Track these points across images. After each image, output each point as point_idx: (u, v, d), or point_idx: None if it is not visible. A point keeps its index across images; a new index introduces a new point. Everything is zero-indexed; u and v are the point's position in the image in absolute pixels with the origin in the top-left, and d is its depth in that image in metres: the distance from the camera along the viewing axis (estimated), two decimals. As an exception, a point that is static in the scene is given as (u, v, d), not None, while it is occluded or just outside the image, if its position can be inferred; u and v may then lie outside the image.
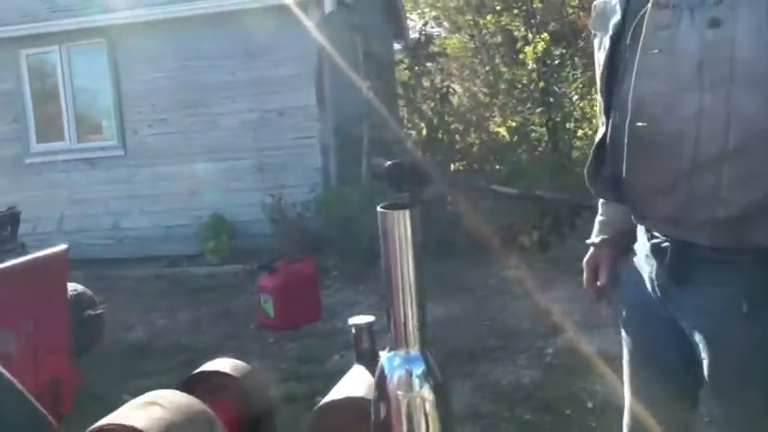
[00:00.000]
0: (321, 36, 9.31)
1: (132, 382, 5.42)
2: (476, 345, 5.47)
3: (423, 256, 1.23)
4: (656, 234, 1.86)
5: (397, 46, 14.18)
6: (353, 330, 1.98)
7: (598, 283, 2.13)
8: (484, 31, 14.03)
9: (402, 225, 1.18)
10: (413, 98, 10.97)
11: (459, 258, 8.00)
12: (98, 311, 2.21)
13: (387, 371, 1.23)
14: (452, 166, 9.74)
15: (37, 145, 10.72)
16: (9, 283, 1.93)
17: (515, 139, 10.66)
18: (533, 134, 10.32)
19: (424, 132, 10.19)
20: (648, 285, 1.91)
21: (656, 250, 1.86)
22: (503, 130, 11.12)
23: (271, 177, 9.49)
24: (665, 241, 1.82)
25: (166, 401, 1.81)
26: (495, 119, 11.52)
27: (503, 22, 12.44)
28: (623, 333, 2.06)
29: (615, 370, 4.57)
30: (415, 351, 1.22)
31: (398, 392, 1.23)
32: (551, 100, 9.72)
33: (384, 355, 1.25)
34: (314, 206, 8.95)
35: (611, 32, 1.83)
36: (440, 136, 9.91)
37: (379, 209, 1.15)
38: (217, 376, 2.09)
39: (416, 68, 11.27)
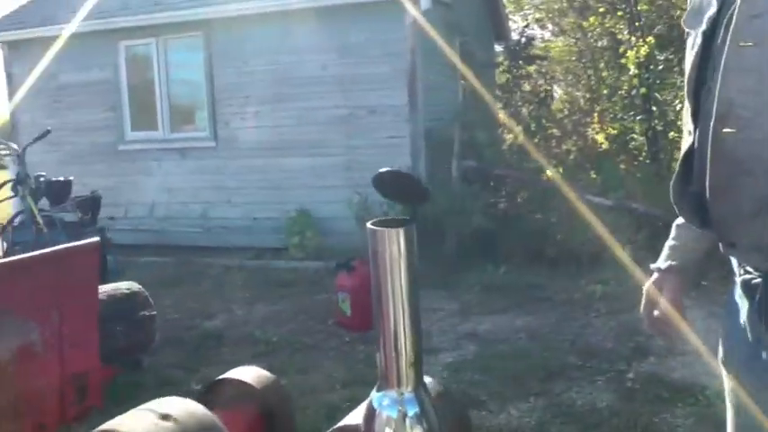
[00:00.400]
0: (416, 34, 9.17)
1: (202, 371, 5.44)
2: (553, 361, 5.23)
3: (417, 281, 1.06)
4: (747, 268, 1.58)
5: (498, 48, 13.93)
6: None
7: (655, 313, 1.87)
8: (589, 34, 13.63)
9: (395, 245, 1.02)
10: (510, 101, 10.74)
11: (545, 269, 7.76)
12: (152, 313, 2.14)
13: (376, 411, 1.07)
14: (547, 172, 9.42)
15: (131, 133, 10.99)
16: (34, 275, 1.85)
17: (614, 147, 10.30)
18: (633, 143, 9.92)
19: (521, 137, 9.94)
20: (742, 328, 1.64)
21: (747, 287, 1.58)
22: (601, 138, 10.74)
23: (358, 175, 9.39)
24: (757, 277, 1.54)
25: (173, 410, 1.69)
26: (594, 125, 11.13)
27: (606, 25, 12.02)
28: (723, 371, 1.79)
29: (699, 403, 4.31)
30: (407, 391, 1.05)
31: (387, 437, 1.07)
32: (653, 107, 9.32)
33: (373, 395, 1.08)
34: (401, 207, 8.78)
35: (704, 27, 1.57)
36: (536, 141, 9.63)
37: (368, 225, 1.00)
38: (238, 386, 1.96)
39: (515, 71, 11.03)
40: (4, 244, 5.52)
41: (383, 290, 1.04)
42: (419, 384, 1.08)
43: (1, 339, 1.76)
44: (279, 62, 9.85)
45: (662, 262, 1.91)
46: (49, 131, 5.95)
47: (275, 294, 7.71)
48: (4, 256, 5.73)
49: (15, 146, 5.67)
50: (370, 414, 1.09)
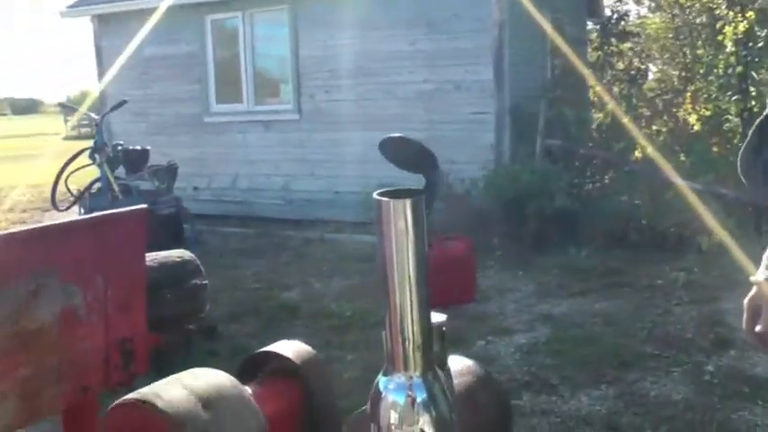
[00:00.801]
0: (504, 9, 9.00)
1: (277, 341, 5.48)
2: (629, 349, 5.09)
3: (425, 257, 0.99)
4: None
5: (590, 24, 13.57)
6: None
7: (757, 329, 1.74)
8: (687, 9, 13.12)
9: (402, 218, 0.96)
10: (601, 79, 10.46)
11: (627, 253, 7.57)
12: (203, 282, 2.13)
13: (381, 395, 1.01)
14: (635, 153, 9.16)
15: (216, 105, 11.17)
16: (77, 239, 1.84)
17: (706, 129, 9.91)
18: (727, 125, 9.52)
19: (609, 116, 9.67)
20: None
21: None
22: (693, 119, 10.35)
23: (441, 151, 9.13)
24: None
25: (203, 382, 1.66)
26: (687, 106, 10.72)
27: (704, 0, 11.53)
28: None
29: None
30: (416, 375, 0.99)
31: (391, 424, 1.01)
32: (750, 87, 8.91)
33: (379, 378, 1.03)
34: (482, 184, 8.70)
35: None
36: (625, 121, 9.35)
37: (375, 195, 0.94)
38: (277, 360, 1.93)
39: (607, 48, 10.73)
40: (82, 210, 5.65)
41: (388, 266, 0.98)
42: (428, 368, 1.02)
43: (43, 302, 1.76)
44: (364, 36, 9.81)
45: (760, 274, 1.78)
46: (125, 102, 6.07)
47: (353, 269, 7.72)
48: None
49: (94, 115, 5.78)
50: (376, 398, 1.04)
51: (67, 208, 5.74)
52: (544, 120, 8.95)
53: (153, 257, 2.25)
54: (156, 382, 1.70)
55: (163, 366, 5.07)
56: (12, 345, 1.73)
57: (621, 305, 6.14)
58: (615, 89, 10.37)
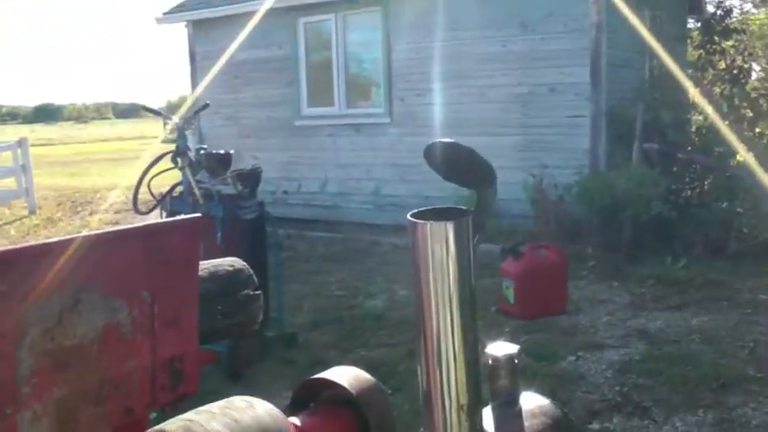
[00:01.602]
0: (601, 8, 8.70)
1: (357, 352, 5.42)
2: (728, 370, 4.84)
3: (473, 292, 0.81)
4: None
5: (691, 22, 13.04)
6: (489, 362, 1.56)
7: None
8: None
9: (440, 244, 0.78)
10: (702, 79, 10.01)
11: (728, 264, 7.26)
12: (255, 292, 2.01)
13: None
14: (736, 157, 8.71)
15: (308, 109, 11.19)
16: (122, 250, 1.72)
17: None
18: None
19: (710, 118, 9.23)
20: None
21: None
22: (799, 122, 9.79)
23: (535, 156, 9.11)
24: None
25: (241, 413, 1.52)
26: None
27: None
28: None
29: None
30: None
31: None
32: None
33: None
34: (576, 190, 8.41)
35: None
36: (727, 123, 8.90)
37: (409, 216, 0.77)
38: (331, 389, 1.77)
39: (709, 46, 10.27)
40: (164, 213, 5.64)
41: (425, 302, 0.81)
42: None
43: (83, 317, 1.64)
44: (457, 38, 9.66)
45: None
46: (206, 105, 6.02)
47: None
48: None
49: (175, 119, 5.75)
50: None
51: (149, 211, 5.74)
52: (641, 123, 8.61)
53: (203, 266, 2.12)
54: (186, 414, 1.56)
55: (238, 375, 5.03)
56: (46, 362, 1.60)
57: (721, 321, 5.85)
58: (716, 89, 9.91)
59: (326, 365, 5.24)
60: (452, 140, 1.43)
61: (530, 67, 9.23)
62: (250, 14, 10.50)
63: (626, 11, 8.48)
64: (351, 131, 10.72)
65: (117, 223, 10.47)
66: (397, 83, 10.25)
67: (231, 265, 2.54)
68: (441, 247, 0.80)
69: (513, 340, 5.27)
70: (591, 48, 8.86)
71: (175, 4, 12.71)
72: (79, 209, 14.30)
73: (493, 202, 1.43)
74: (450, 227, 0.81)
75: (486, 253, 8.31)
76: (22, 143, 14.60)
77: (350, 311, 6.55)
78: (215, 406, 1.61)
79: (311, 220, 10.46)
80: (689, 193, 8.78)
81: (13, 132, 26.20)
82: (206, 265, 2.29)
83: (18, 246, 1.66)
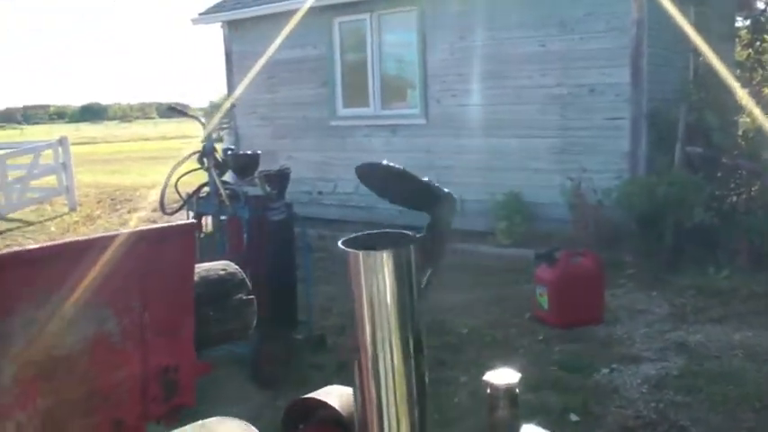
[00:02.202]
0: (643, 5, 8.49)
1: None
2: (771, 390, 4.58)
3: (420, 332, 0.70)
4: None
5: (739, 19, 12.75)
6: (488, 390, 1.44)
7: None
8: None
9: (377, 276, 0.67)
10: (750, 80, 9.77)
11: (774, 274, 6.94)
12: (248, 297, 1.92)
13: None
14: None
15: (343, 109, 11.13)
16: (111, 257, 1.63)
17: None
18: None
19: (758, 121, 8.98)
20: None
21: None
22: None
23: (573, 159, 8.94)
24: None
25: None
26: None
27: None
28: None
29: None
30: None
31: None
32: None
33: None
34: (616, 194, 8.23)
35: None
36: (775, 126, 8.66)
37: (340, 244, 0.67)
38: (321, 409, 1.68)
39: (757, 45, 10.02)
40: (190, 214, 5.61)
41: (360, 339, 0.70)
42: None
43: (67, 326, 1.56)
44: (494, 38, 9.52)
45: None
46: (233, 105, 5.97)
47: (474, 281, 7.48)
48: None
49: (202, 119, 5.72)
50: None
51: (174, 212, 5.70)
52: (684, 125, 8.38)
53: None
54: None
55: (263, 378, 4.96)
56: (31, 372, 1.55)
57: (765, 336, 5.62)
58: (765, 91, 9.66)
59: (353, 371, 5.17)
60: (382, 163, 1.32)
61: (569, 67, 9.05)
62: (285, 14, 10.45)
63: (670, 7, 8.26)
64: (386, 132, 10.63)
65: (154, 221, 10.48)
66: (433, 84, 10.13)
67: (223, 269, 2.45)
68: (376, 280, 0.68)
69: (546, 349, 5.17)
70: (631, 46, 8.65)
71: (211, 5, 12.74)
72: (118, 206, 14.42)
73: (445, 228, 1.31)
74: (386, 257, 0.69)
75: (519, 259, 8.19)
76: (62, 142, 14.79)
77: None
78: (197, 426, 1.53)
79: (346, 221, 10.39)
80: (734, 199, 8.54)
81: (58, 131, 26.66)
82: (197, 269, 2.21)
83: (-2, 251, 1.60)
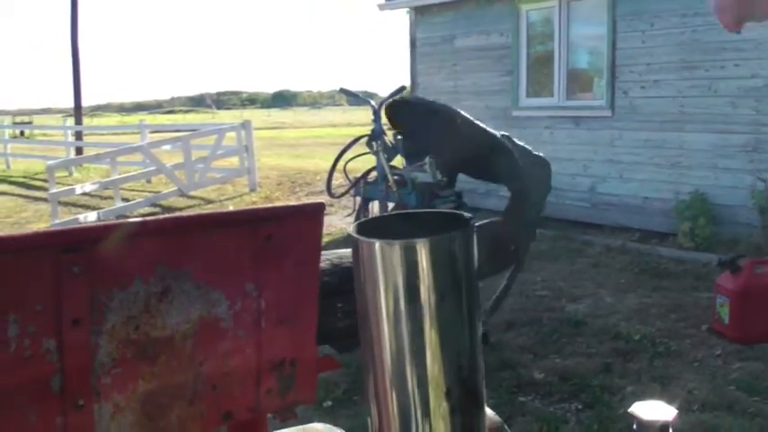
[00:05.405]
0: None
1: (551, 359, 5.19)
2: None
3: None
4: None
5: None
6: (634, 427, 1.19)
7: None
8: None
9: (397, 271, 0.48)
10: None
11: None
12: None
13: None
14: None
15: (526, 99, 10.91)
16: (223, 235, 1.53)
17: None
18: None
19: None
20: None
21: None
22: None
23: (766, 158, 8.25)
24: None
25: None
26: None
27: None
28: None
29: None
30: None
31: None
32: None
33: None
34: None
35: None
36: None
37: (351, 231, 0.48)
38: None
39: None
40: (358, 198, 5.55)
41: (372, 348, 0.51)
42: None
43: (172, 308, 1.46)
44: (688, 25, 9.03)
45: None
46: (403, 88, 5.83)
47: (651, 285, 7.20)
48: (356, 212, 5.78)
49: (372, 102, 5.62)
50: None
51: (341, 195, 5.67)
52: None
53: (324, 257, 1.89)
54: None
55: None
56: (129, 353, 1.51)
57: None
58: None
59: (514, 370, 4.96)
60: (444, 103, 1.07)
61: (766, 57, 8.33)
62: (471, 1, 10.30)
63: None
64: (570, 124, 10.31)
65: (331, 205, 10.57)
66: (621, 74, 9.74)
67: (340, 258, 2.30)
68: (399, 274, 0.47)
69: (723, 366, 4.73)
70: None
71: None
72: (297, 189, 14.78)
73: (528, 209, 1.06)
74: (422, 246, 0.48)
75: (702, 264, 7.66)
76: (245, 125, 15.45)
77: (549, 314, 6.29)
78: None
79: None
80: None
81: (249, 116, 27.83)
82: (328, 256, 2.05)
83: (96, 223, 1.50)
